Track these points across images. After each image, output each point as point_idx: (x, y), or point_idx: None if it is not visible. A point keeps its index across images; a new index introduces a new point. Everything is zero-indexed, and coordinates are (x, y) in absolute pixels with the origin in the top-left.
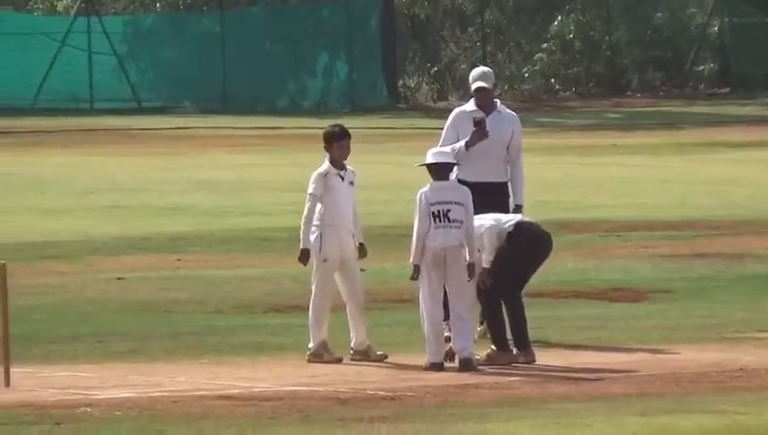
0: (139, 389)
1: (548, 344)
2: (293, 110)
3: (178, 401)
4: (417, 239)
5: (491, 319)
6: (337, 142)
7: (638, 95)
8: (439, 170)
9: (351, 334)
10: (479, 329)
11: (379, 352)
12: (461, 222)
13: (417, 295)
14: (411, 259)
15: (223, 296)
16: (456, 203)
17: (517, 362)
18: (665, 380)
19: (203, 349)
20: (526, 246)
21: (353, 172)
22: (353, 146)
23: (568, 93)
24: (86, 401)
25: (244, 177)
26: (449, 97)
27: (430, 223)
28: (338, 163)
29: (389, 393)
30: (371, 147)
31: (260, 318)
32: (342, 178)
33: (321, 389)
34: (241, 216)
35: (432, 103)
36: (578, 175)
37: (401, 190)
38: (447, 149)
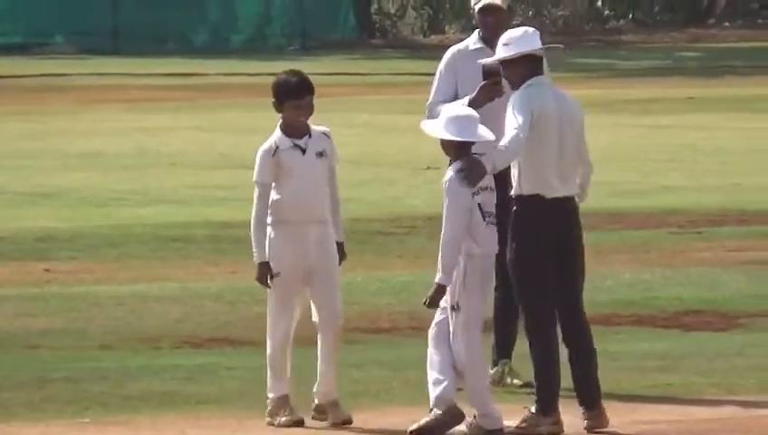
0: None
1: None
2: (217, 48)
3: None
4: (451, 246)
5: (540, 363)
6: (293, 100)
7: (726, 24)
8: (467, 146)
9: (318, 381)
10: (491, 372)
11: (345, 412)
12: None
13: (429, 327)
14: (438, 277)
15: (112, 324)
16: (492, 189)
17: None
18: None
19: (84, 402)
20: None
21: (325, 136)
22: None
23: (622, 22)
24: None
25: (145, 147)
26: (447, 28)
27: (473, 221)
28: (294, 130)
29: None
30: (333, 103)
31: (168, 356)
32: (303, 151)
33: None
34: (141, 205)
35: (422, 37)
36: (637, 143)
37: (378, 167)
38: (467, 109)
